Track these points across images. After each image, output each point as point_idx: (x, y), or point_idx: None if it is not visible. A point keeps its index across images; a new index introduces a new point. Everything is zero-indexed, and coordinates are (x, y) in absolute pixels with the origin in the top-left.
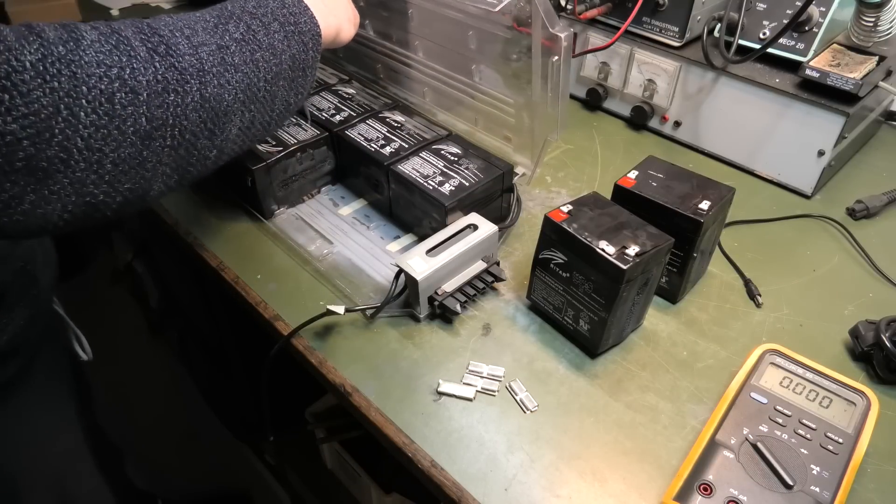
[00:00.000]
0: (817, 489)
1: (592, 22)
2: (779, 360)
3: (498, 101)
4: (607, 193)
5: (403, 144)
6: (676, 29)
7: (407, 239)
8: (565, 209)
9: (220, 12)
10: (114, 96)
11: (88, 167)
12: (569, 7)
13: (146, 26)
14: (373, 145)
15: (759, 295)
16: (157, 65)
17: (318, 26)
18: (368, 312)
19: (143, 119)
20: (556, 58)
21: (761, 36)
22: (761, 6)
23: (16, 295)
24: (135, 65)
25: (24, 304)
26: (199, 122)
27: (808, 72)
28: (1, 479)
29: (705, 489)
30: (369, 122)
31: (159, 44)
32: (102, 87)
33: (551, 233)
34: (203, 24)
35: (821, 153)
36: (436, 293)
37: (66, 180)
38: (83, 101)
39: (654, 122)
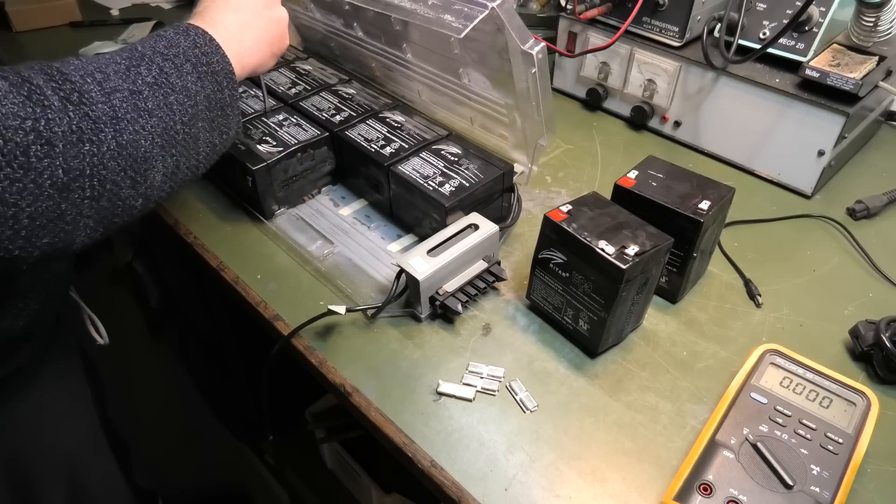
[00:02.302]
0: (817, 489)
1: (592, 22)
2: (779, 361)
3: (489, 101)
4: (607, 193)
5: (403, 145)
6: (676, 29)
7: (408, 239)
8: (565, 209)
9: (131, 54)
10: (29, 149)
11: (3, 222)
12: (569, 7)
13: (56, 72)
14: (373, 146)
15: (759, 295)
16: (72, 114)
17: (231, 65)
18: (369, 312)
19: (60, 171)
20: (534, 70)
21: (761, 36)
22: (761, 6)
23: (29, 280)
24: (49, 115)
25: (37, 290)
26: (119, 170)
27: (808, 72)
28: (14, 464)
29: (705, 489)
30: (369, 122)
31: (72, 92)
32: (18, 139)
33: (551, 232)
34: (115, 68)
35: (821, 153)
36: (437, 293)
37: None
38: None
39: (654, 122)
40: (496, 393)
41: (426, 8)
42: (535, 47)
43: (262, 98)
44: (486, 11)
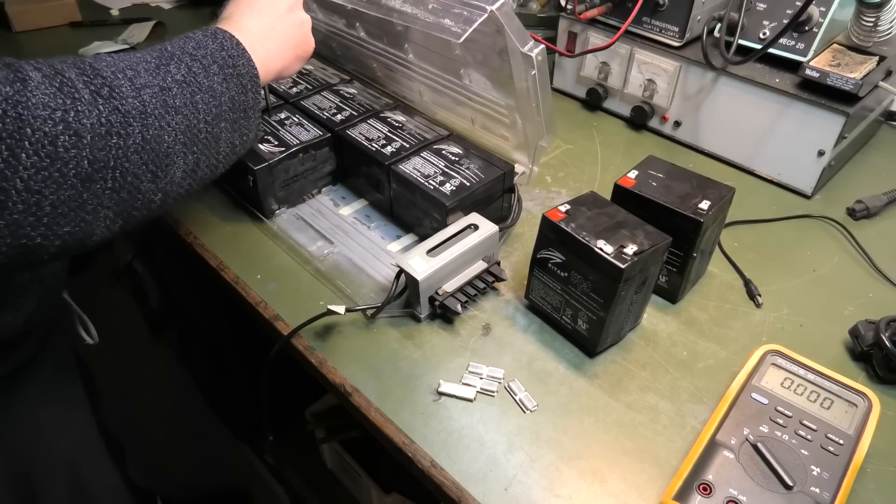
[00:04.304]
0: (817, 490)
1: (592, 22)
2: (780, 361)
3: (490, 101)
4: (607, 193)
5: (404, 144)
6: (676, 29)
7: (408, 239)
8: (563, 209)
9: (160, 53)
10: (57, 139)
11: (26, 209)
12: (569, 7)
13: (89, 67)
14: (374, 145)
15: (759, 295)
16: (101, 108)
17: (256, 69)
18: (369, 312)
19: (86, 162)
20: (534, 71)
21: (761, 36)
22: (761, 6)
23: (27, 277)
24: (79, 107)
25: (35, 287)
26: (141, 163)
27: (808, 72)
28: (16, 464)
29: (705, 489)
30: (370, 121)
31: (102, 86)
32: (47, 129)
33: (549, 232)
34: (145, 66)
35: (821, 153)
36: (436, 293)
37: (3, 222)
38: (26, 142)
39: (654, 122)
40: (495, 394)
41: (426, 12)
42: (535, 49)
43: (263, 97)
44: (485, 15)
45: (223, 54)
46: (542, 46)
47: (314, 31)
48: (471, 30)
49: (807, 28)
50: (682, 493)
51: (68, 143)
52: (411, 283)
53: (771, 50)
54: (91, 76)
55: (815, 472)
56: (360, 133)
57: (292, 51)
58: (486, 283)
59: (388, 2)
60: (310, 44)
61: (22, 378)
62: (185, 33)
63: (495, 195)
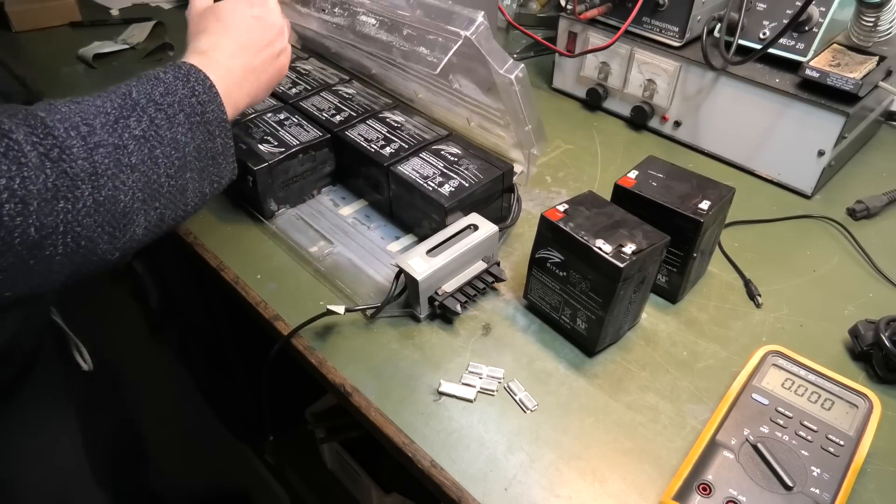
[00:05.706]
0: (817, 491)
1: (592, 22)
2: (781, 362)
3: (482, 104)
4: (607, 193)
5: (403, 145)
6: (676, 29)
7: (407, 239)
8: (561, 208)
9: (123, 101)
10: (2, 208)
11: None
12: (569, 7)
13: (40, 125)
14: (373, 146)
15: (759, 295)
16: (49, 171)
17: (226, 114)
18: (369, 312)
19: (32, 229)
20: (516, 88)
21: (761, 36)
22: (761, 6)
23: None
24: (25, 173)
25: (15, 309)
26: (96, 226)
27: (808, 72)
28: (1, 487)
29: (704, 489)
30: (369, 122)
31: (52, 147)
32: None
33: (547, 232)
34: (103, 119)
35: (821, 153)
36: (436, 293)
37: None
38: None
39: (654, 122)
40: (495, 393)
41: (402, 39)
42: (514, 71)
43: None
44: (460, 41)
45: (192, 100)
46: (522, 66)
47: (309, 29)
48: (445, 60)
49: (807, 28)
50: (682, 493)
51: (13, 211)
52: (411, 283)
53: (771, 50)
54: (41, 136)
55: (815, 473)
56: (358, 134)
57: (265, 86)
58: (486, 283)
59: (363, 29)
60: (283, 73)
61: (5, 402)
62: (157, 72)
63: (494, 195)
